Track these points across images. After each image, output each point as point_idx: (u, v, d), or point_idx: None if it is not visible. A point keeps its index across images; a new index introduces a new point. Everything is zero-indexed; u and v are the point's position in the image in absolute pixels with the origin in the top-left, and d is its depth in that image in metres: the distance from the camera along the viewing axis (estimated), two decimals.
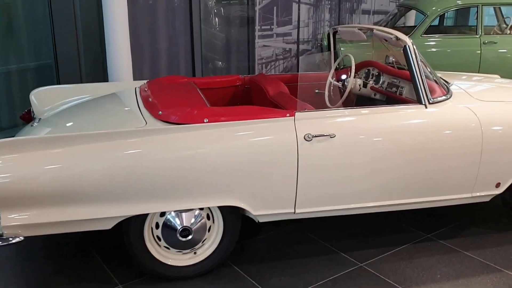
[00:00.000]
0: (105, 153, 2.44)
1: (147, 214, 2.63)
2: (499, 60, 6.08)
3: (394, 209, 3.01)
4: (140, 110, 2.90)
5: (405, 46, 2.99)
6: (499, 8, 6.53)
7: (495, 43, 6.08)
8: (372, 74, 3.73)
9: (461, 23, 8.34)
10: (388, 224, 3.45)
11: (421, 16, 6.30)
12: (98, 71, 5.30)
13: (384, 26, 7.07)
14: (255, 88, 3.70)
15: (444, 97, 3.06)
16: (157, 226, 2.70)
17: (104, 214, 2.48)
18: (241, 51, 6.27)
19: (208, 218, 2.77)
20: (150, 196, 2.50)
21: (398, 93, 3.34)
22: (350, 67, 3.59)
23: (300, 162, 2.66)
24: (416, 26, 6.15)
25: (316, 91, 3.98)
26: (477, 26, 6.11)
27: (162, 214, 2.69)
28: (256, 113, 2.72)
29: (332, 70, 3.80)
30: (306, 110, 2.79)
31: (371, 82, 3.65)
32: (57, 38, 4.92)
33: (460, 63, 5.98)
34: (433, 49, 6.05)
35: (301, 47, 7.13)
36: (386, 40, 3.24)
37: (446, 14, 6.98)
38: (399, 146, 2.83)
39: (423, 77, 2.97)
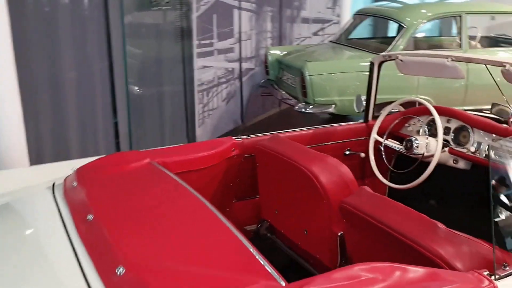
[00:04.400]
0: None
1: None
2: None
3: None
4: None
5: None
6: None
7: None
8: (448, 128, 2.41)
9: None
10: None
11: (380, 26, 5.13)
12: None
13: (339, 38, 5.78)
14: (273, 164, 2.16)
15: None
16: None
17: None
18: (175, 74, 4.51)
19: None
20: None
21: None
22: (415, 115, 2.58)
23: None
24: (395, 38, 4.88)
25: (346, 152, 2.67)
26: (461, 39, 5.03)
27: None
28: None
29: (379, 122, 2.47)
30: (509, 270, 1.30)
31: (449, 141, 2.50)
32: None
33: (446, 87, 4.82)
34: None
35: (244, 65, 5.60)
36: None
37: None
38: None
39: None
